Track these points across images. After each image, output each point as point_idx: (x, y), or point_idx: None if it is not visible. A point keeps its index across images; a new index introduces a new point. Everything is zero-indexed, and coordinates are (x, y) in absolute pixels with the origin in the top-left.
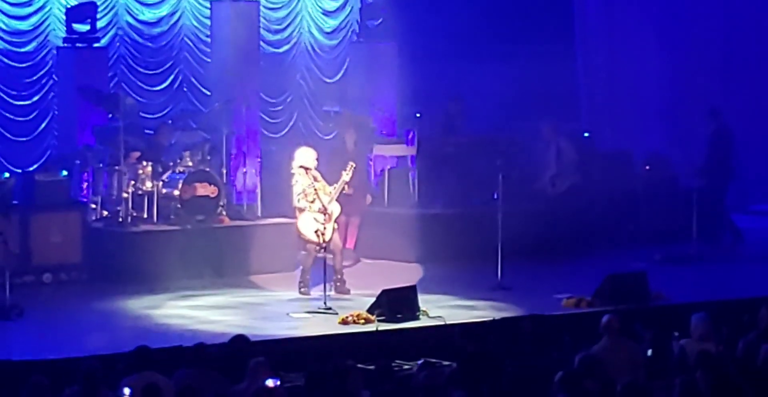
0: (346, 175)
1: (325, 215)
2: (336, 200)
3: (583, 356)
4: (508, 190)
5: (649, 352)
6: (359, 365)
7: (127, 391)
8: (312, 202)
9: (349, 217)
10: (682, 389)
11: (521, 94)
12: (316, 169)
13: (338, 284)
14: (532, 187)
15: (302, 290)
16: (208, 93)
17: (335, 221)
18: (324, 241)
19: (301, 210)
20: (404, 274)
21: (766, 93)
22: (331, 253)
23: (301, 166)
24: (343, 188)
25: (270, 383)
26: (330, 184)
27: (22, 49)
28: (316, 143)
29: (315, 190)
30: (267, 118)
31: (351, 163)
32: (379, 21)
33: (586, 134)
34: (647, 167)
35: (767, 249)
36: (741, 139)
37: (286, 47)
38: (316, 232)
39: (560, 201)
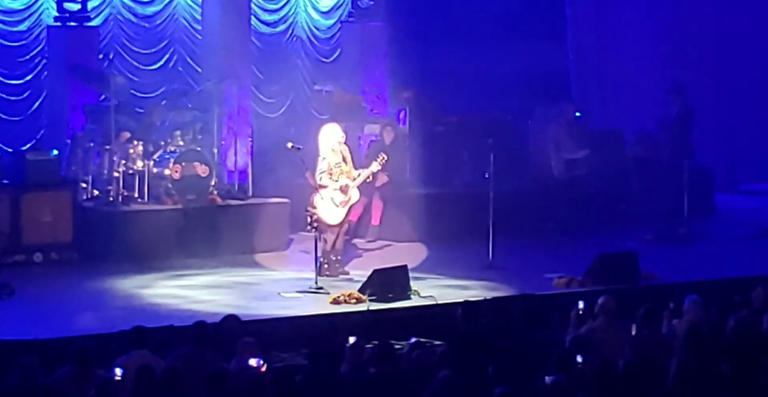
0: (375, 166)
1: (344, 194)
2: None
3: (575, 337)
4: (499, 170)
5: (634, 331)
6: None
7: (119, 371)
8: (336, 181)
9: (370, 196)
10: (678, 370)
11: (512, 75)
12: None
13: (337, 265)
14: (533, 167)
15: (327, 271)
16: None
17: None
18: (339, 222)
19: (322, 187)
20: (397, 253)
21: (761, 72)
22: (334, 233)
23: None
24: (367, 177)
25: (253, 362)
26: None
27: (15, 29)
28: (313, 124)
29: (341, 171)
30: (263, 98)
31: (383, 155)
32: (371, 1)
33: (577, 114)
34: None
35: (758, 229)
36: (731, 119)
37: (282, 27)
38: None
39: (551, 181)
